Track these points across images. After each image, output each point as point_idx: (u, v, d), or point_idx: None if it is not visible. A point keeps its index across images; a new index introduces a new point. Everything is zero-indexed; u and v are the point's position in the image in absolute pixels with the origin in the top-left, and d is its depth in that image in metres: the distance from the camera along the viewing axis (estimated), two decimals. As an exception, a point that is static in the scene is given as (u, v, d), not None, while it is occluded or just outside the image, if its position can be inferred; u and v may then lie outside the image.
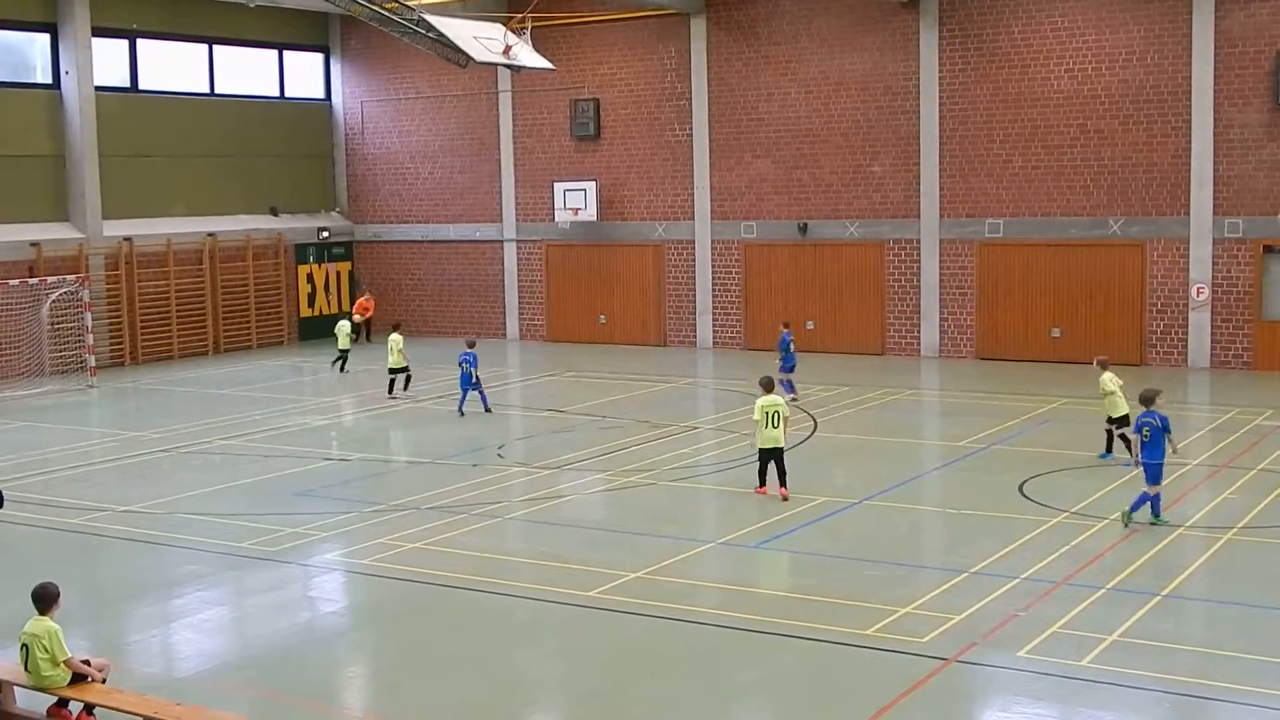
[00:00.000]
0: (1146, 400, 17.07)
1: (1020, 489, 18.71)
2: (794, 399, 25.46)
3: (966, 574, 14.71)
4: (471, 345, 26.23)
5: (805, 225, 34.08)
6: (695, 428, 24.44)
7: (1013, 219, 31.74)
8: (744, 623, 13.36)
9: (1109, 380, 20.23)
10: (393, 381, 28.14)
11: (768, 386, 18.76)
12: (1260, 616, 13.29)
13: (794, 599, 14.14)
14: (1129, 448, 19.67)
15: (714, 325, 35.77)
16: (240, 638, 13.91)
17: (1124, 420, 19.81)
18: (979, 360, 32.01)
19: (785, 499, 18.09)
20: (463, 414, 25.60)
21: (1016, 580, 14.41)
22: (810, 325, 34.18)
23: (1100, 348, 30.12)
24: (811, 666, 12.31)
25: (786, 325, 27.64)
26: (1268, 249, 29.48)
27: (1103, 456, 20.38)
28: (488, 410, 25.80)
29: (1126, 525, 16.45)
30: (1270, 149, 28.97)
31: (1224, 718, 11.12)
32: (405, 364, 28.03)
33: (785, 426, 18.48)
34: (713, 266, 35.65)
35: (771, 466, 18.46)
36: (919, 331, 33.02)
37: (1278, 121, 28.86)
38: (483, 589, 14.68)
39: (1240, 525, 16.57)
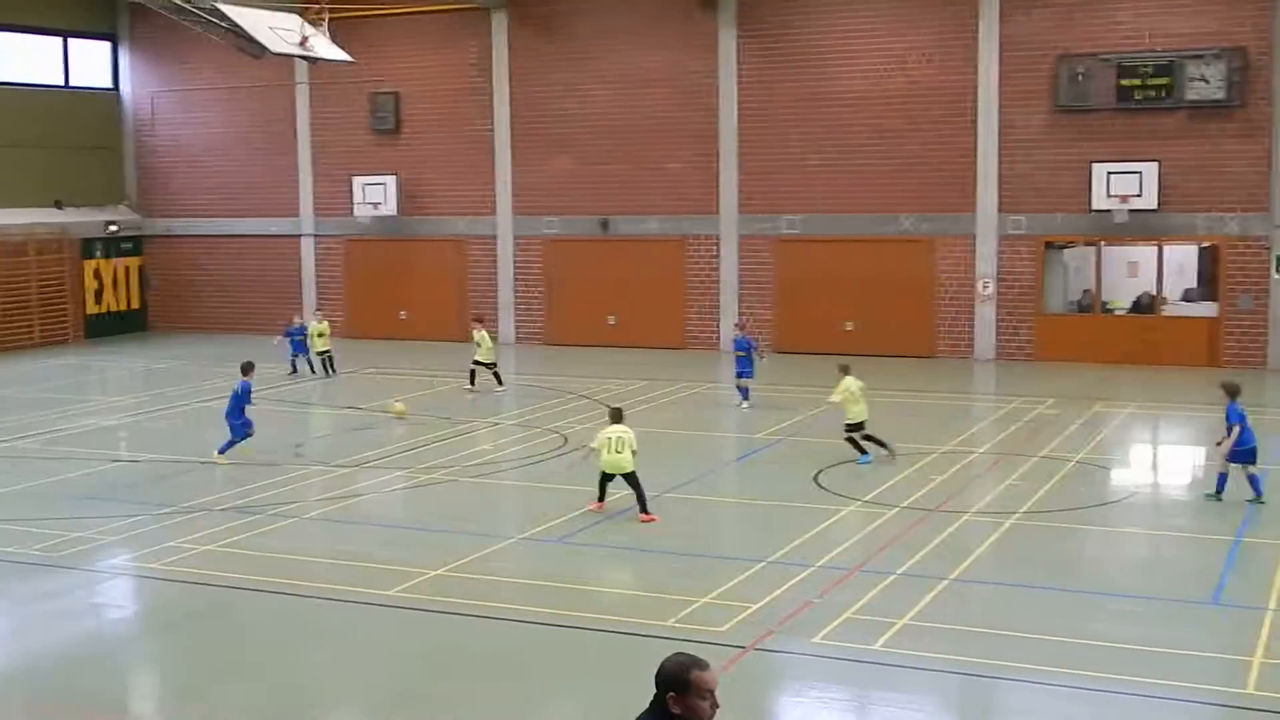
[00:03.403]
0: (1234, 391, 17.31)
1: (815, 479, 19.10)
2: (743, 405, 25.02)
3: (764, 563, 14.96)
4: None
5: (607, 221, 34.25)
6: (497, 424, 24.34)
7: (809, 215, 32.43)
8: (545, 618, 13.32)
9: (844, 387, 19.98)
10: (473, 374, 27.51)
11: (615, 418, 17.68)
12: (1043, 597, 13.82)
13: (595, 592, 14.17)
14: (858, 449, 19.96)
15: (516, 320, 35.69)
16: (21, 648, 13.30)
17: (859, 426, 20.04)
18: (777, 354, 32.49)
19: (654, 521, 16.97)
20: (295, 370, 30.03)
21: (812, 568, 14.70)
22: (611, 320, 34.40)
23: (892, 340, 31.14)
24: (612, 659, 12.37)
25: (740, 328, 26.79)
26: (1048, 245, 30.73)
27: (861, 462, 19.92)
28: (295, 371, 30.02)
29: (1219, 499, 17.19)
30: (1051, 149, 30.18)
31: (1012, 697, 11.52)
32: (494, 359, 27.51)
33: (632, 453, 17.10)
34: (515, 262, 35.57)
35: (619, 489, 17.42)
36: (719, 326, 33.47)
37: (1058, 123, 30.08)
38: (279, 590, 14.36)
39: (1023, 510, 17.21)
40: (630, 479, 17.25)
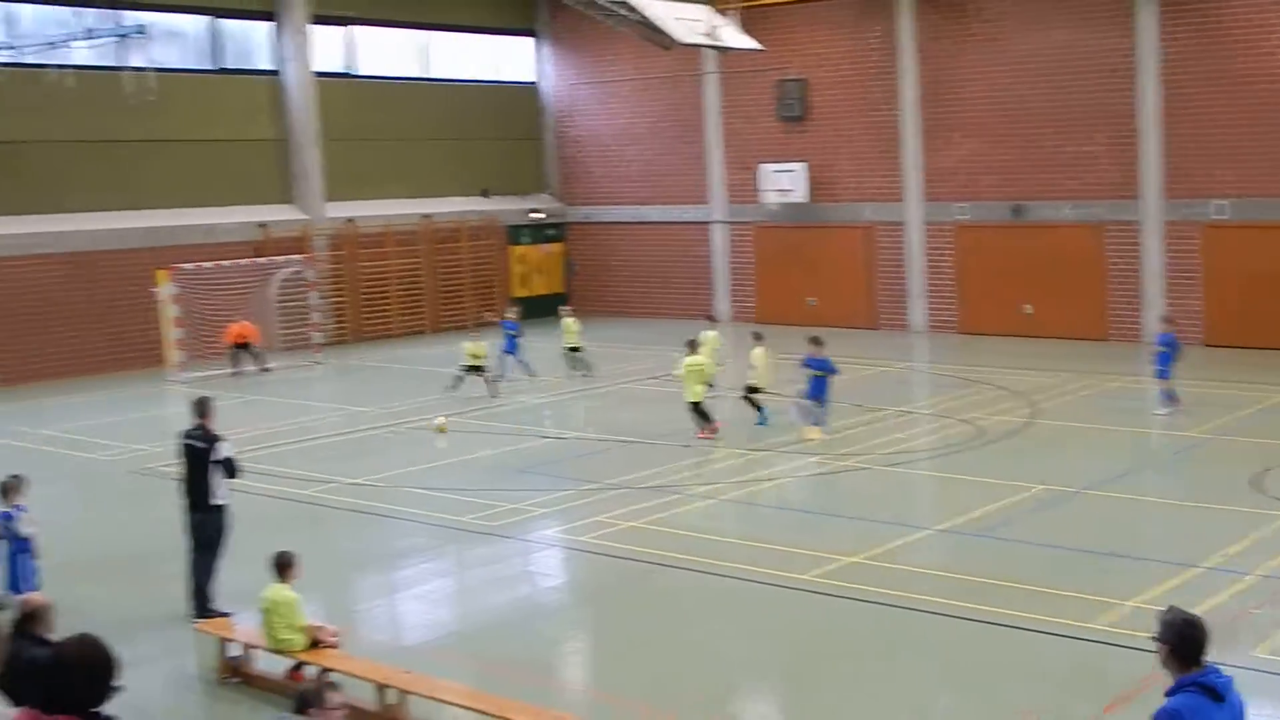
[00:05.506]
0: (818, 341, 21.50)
1: (1254, 481, 17.88)
2: (1170, 411, 22.23)
3: (1196, 569, 14.18)
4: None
5: (1020, 207, 33.26)
6: (910, 412, 24.11)
7: (1239, 200, 30.41)
8: (961, 611, 13.09)
9: (757, 355, 22.74)
10: (573, 361, 29.15)
11: (692, 348, 21.93)
12: None
13: (1013, 588, 13.78)
14: (756, 407, 22.45)
15: (928, 308, 35.18)
16: (462, 609, 14.28)
17: (755, 389, 22.61)
18: (1206, 346, 30.50)
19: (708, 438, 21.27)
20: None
21: (1250, 577, 13.82)
22: (1028, 309, 33.29)
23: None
24: (1032, 657, 12.02)
25: (1168, 321, 24.59)
26: None
27: (759, 424, 22.29)
28: (531, 375, 28.39)
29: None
30: None
31: None
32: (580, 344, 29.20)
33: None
34: (926, 249, 35.03)
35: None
36: (1140, 316, 31.90)
37: None
38: (698, 569, 14.74)
39: None
40: (697, 406, 21.42)
